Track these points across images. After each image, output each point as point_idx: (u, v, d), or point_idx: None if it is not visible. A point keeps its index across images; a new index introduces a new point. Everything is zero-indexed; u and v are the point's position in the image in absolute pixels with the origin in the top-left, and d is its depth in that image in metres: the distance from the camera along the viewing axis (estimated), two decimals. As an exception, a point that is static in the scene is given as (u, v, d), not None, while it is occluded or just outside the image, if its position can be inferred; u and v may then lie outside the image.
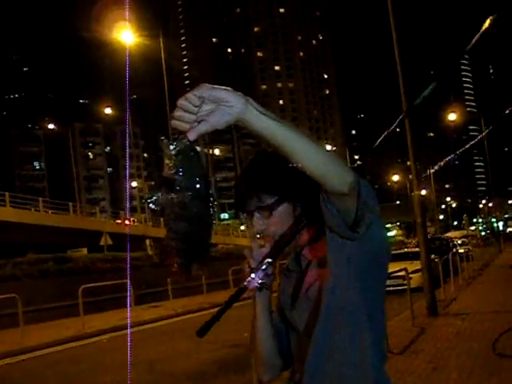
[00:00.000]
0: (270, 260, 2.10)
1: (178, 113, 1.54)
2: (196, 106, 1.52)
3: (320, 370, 2.01)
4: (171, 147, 1.50)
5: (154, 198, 1.52)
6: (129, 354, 4.50)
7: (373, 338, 1.99)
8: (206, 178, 1.53)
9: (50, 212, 51.76)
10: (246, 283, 2.09)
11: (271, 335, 2.26)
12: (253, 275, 2.08)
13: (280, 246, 2.13)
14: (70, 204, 53.98)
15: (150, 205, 1.53)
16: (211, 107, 1.52)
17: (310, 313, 2.09)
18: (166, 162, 1.51)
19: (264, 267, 2.09)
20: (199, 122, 1.53)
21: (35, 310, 21.85)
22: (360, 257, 1.92)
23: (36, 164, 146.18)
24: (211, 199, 1.56)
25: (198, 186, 1.51)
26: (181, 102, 1.53)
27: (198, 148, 1.54)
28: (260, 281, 2.09)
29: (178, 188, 1.50)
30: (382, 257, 2.02)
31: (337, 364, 1.98)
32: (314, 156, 1.63)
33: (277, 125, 1.56)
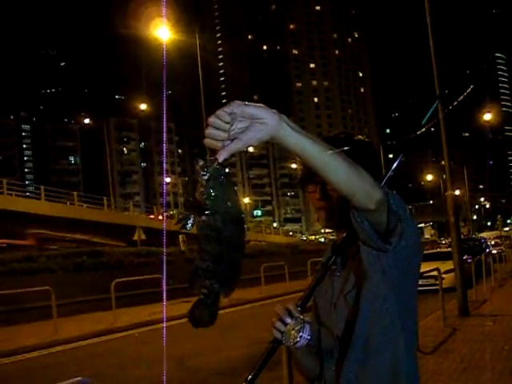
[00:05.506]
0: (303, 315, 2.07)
1: (209, 131, 1.49)
2: (227, 123, 1.47)
3: (355, 376, 2.04)
4: (202, 173, 1.48)
5: (187, 221, 1.52)
6: (164, 349, 4.54)
7: (406, 345, 2.01)
8: (236, 201, 1.53)
9: (84, 206, 52.18)
10: (291, 343, 2.04)
11: (311, 356, 2.25)
12: (301, 333, 2.03)
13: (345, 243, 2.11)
14: (105, 198, 54.33)
15: (182, 227, 1.52)
16: (244, 125, 1.49)
17: (348, 319, 2.09)
18: (199, 186, 1.50)
19: (307, 319, 2.07)
20: (232, 140, 1.49)
21: (68, 303, 22.02)
22: (395, 267, 1.91)
23: (71, 158, 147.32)
24: (242, 221, 1.54)
25: (228, 209, 1.51)
26: (211, 119, 1.48)
27: (228, 170, 1.51)
28: (308, 336, 2.05)
29: (208, 212, 1.49)
30: (414, 260, 2.01)
31: (372, 369, 2.01)
32: (342, 173, 1.62)
33: (308, 141, 1.55)
